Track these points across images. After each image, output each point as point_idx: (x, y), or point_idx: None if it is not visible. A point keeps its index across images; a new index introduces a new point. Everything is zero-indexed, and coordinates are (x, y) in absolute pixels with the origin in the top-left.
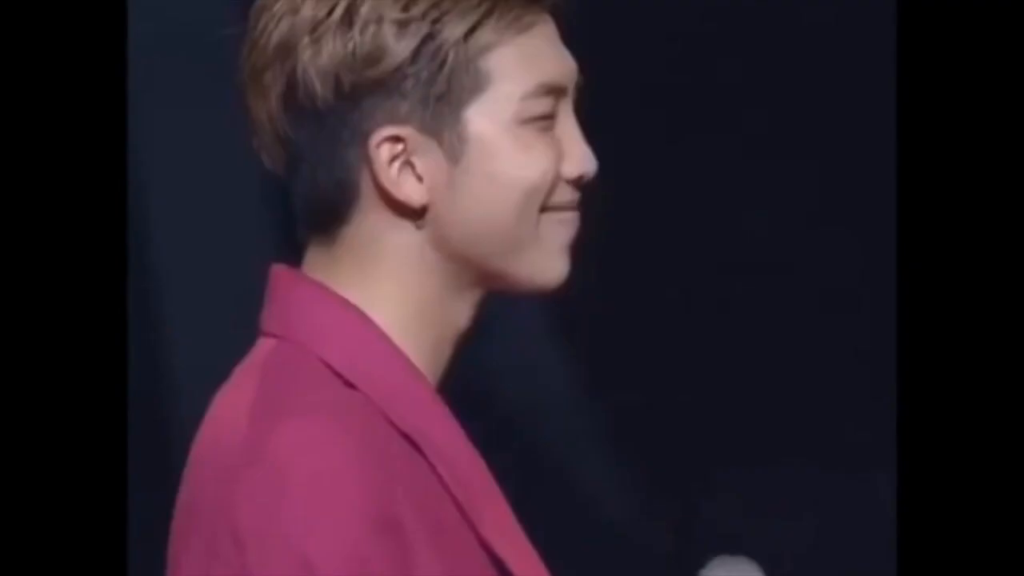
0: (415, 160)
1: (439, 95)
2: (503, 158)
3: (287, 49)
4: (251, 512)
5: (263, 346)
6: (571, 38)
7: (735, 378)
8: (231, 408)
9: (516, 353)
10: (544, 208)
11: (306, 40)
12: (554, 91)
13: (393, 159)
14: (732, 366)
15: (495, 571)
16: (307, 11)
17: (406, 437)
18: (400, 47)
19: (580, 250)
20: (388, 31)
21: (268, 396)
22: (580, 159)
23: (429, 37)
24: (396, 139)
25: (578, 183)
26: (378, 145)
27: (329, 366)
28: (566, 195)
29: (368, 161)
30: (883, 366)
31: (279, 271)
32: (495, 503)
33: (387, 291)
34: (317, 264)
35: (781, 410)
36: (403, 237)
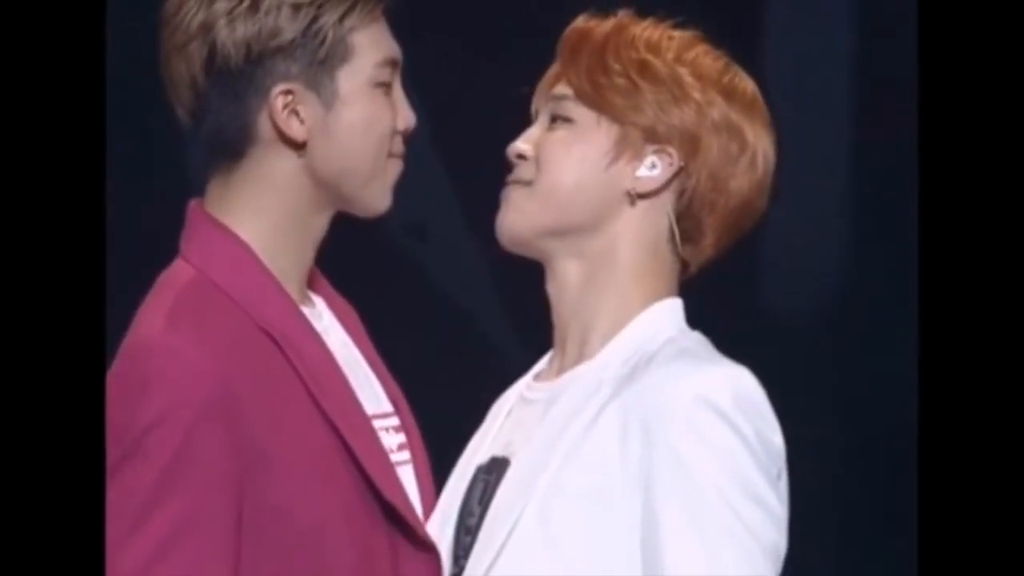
0: (299, 108)
1: (320, 61)
2: (362, 110)
3: (208, 28)
4: (112, 399)
5: (176, 266)
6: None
7: None
8: (149, 313)
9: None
10: (388, 154)
11: (223, 21)
12: (392, 64)
13: (285, 107)
14: None
15: (335, 439)
16: (221, 3)
17: (269, 336)
18: (294, 26)
19: None
20: (285, 14)
21: (160, 307)
22: (407, 116)
23: (314, 20)
24: (288, 92)
25: (405, 135)
26: (276, 96)
27: (215, 284)
28: (399, 145)
29: (268, 108)
30: (903, 426)
31: (193, 204)
32: (339, 386)
33: (268, 207)
34: (216, 194)
35: (798, 469)
36: (287, 164)
